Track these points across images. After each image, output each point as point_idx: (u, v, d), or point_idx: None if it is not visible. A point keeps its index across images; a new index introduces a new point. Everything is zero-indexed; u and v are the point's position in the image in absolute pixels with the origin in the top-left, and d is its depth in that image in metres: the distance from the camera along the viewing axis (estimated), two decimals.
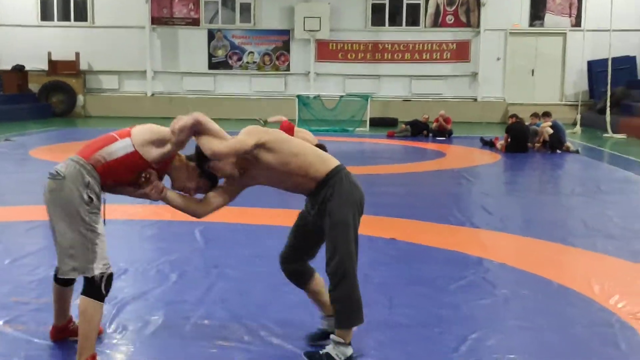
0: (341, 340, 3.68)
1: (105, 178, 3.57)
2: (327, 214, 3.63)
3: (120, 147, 3.54)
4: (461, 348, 3.90)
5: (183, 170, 3.74)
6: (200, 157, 3.68)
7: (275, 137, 3.66)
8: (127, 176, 3.63)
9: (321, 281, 3.92)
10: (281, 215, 7.60)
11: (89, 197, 3.47)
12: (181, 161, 3.75)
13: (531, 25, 23.66)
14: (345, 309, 3.66)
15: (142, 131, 3.61)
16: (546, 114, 14.84)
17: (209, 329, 4.16)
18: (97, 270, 3.48)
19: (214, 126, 3.60)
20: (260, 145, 3.58)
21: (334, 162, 3.73)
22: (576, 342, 4.07)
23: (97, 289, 3.50)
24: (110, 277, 3.56)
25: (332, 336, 3.72)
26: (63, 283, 3.77)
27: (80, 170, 3.49)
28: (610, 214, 7.76)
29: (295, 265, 3.92)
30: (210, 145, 3.55)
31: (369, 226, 6.78)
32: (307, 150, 3.71)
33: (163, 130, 3.61)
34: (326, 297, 3.83)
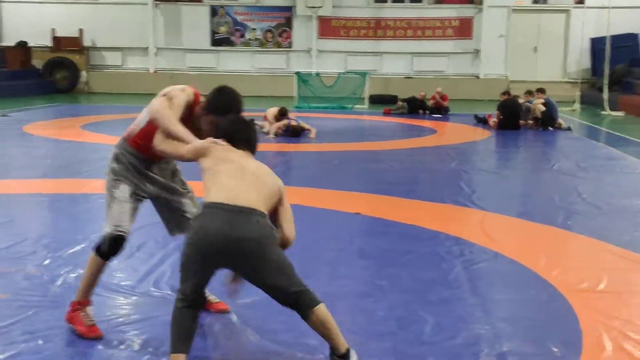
0: None
1: (144, 150, 3.73)
2: None
3: (142, 118, 3.75)
4: (389, 316, 4.03)
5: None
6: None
7: (216, 159, 3.41)
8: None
9: None
10: None
11: (112, 167, 3.78)
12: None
13: (534, 2, 23.52)
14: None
15: (154, 100, 3.67)
16: (540, 91, 14.84)
17: (154, 299, 4.31)
18: (105, 228, 3.74)
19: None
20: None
21: (213, 198, 3.26)
22: (508, 309, 4.19)
23: (99, 244, 3.75)
24: (116, 239, 3.70)
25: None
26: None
27: (116, 144, 3.84)
28: (580, 190, 7.82)
29: None
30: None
31: (337, 200, 6.92)
32: (218, 178, 3.33)
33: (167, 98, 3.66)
34: None
